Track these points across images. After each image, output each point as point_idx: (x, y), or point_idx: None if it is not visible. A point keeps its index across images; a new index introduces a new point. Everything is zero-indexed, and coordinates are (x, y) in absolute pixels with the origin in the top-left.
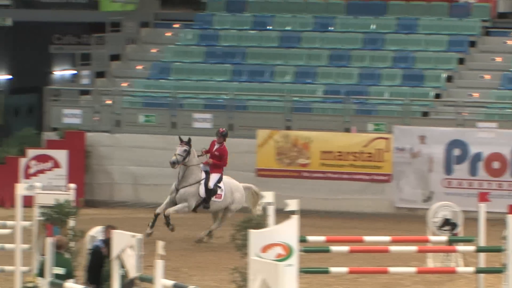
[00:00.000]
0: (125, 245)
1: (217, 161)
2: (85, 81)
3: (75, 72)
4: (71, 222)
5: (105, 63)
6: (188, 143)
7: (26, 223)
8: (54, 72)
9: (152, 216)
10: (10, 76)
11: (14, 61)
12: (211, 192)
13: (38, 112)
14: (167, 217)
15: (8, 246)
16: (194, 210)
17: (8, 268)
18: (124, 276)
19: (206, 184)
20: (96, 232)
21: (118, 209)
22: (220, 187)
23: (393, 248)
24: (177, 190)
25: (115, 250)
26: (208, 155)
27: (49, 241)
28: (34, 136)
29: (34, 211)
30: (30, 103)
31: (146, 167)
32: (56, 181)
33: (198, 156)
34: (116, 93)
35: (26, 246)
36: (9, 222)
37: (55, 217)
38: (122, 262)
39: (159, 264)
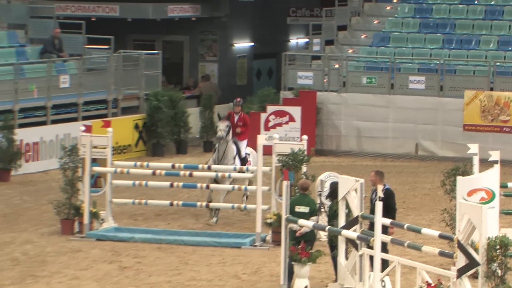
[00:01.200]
0: (350, 188)
1: (243, 129)
2: (316, 48)
3: (307, 40)
4: (304, 168)
5: (333, 33)
6: (228, 119)
7: (266, 168)
8: (290, 40)
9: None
10: (253, 44)
11: (256, 30)
12: (244, 162)
13: (276, 74)
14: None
15: (250, 188)
16: None
17: (250, 206)
18: (348, 215)
19: (239, 155)
20: (325, 177)
21: (344, 157)
22: (248, 154)
23: None
24: None
25: (340, 192)
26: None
27: (285, 184)
28: (272, 94)
29: (273, 158)
30: (270, 67)
31: (368, 121)
32: (291, 133)
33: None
34: (342, 59)
35: (265, 188)
36: (251, 168)
37: (290, 164)
38: (347, 203)
39: (379, 205)
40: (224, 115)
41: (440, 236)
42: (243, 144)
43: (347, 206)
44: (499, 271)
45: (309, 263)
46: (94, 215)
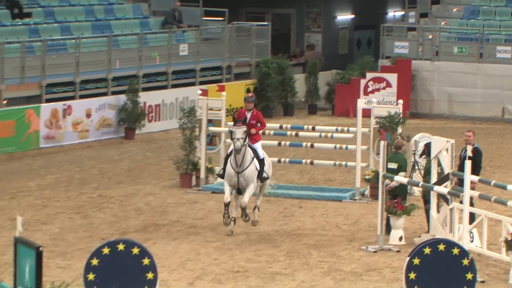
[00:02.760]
0: (442, 148)
1: (260, 128)
2: (411, 20)
3: (403, 13)
4: (399, 129)
5: (427, 6)
6: (244, 122)
7: (365, 129)
8: (387, 13)
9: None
10: (354, 16)
11: (357, 4)
12: (262, 162)
13: (375, 44)
14: (244, 209)
15: (350, 147)
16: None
17: (350, 163)
18: (440, 172)
19: (257, 157)
20: (419, 137)
21: (436, 120)
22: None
23: None
24: (238, 173)
25: (433, 152)
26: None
27: (382, 143)
28: (371, 62)
29: (371, 120)
30: (369, 37)
31: (458, 87)
32: (388, 98)
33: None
34: (436, 30)
35: (364, 147)
36: (352, 129)
37: (387, 125)
38: (439, 161)
39: (468, 164)
40: (240, 120)
41: None
42: (259, 146)
43: (439, 164)
44: None
45: (403, 215)
46: (209, 170)
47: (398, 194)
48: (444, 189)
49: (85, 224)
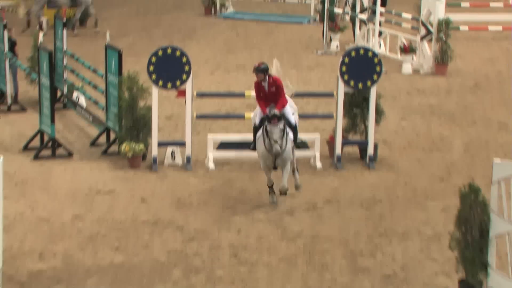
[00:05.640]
0: None
1: (282, 97)
2: None
3: None
4: None
5: None
6: (280, 117)
7: None
8: None
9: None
10: None
11: None
12: (296, 129)
13: None
14: (285, 193)
15: None
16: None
17: (308, 2)
18: (362, 5)
19: (289, 124)
20: None
21: None
22: (293, 113)
23: None
24: (275, 156)
25: None
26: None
27: None
28: None
29: None
30: None
31: None
32: None
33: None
34: None
35: None
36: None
37: None
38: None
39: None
40: (275, 112)
41: None
42: (288, 110)
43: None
44: None
45: (339, 32)
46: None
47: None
48: (363, 16)
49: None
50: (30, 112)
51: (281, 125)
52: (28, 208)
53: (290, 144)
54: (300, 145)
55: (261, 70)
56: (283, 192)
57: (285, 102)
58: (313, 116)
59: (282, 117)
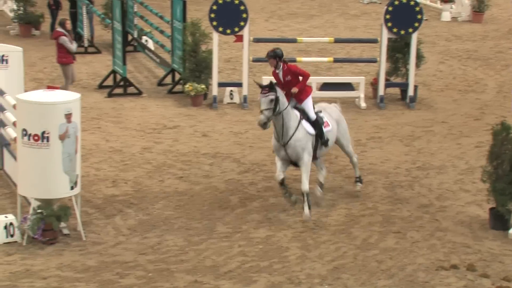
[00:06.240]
0: None
1: (301, 84)
2: None
3: None
4: None
5: None
6: (272, 87)
7: None
8: None
9: None
10: None
11: None
12: (318, 124)
13: None
14: (306, 195)
15: None
16: (315, 156)
17: None
18: None
19: (308, 119)
20: None
21: None
22: (320, 111)
23: None
24: (283, 146)
25: None
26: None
27: None
28: None
29: None
30: None
31: None
32: None
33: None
34: None
35: None
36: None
37: None
38: None
39: None
40: (266, 82)
41: None
42: (308, 103)
43: None
44: None
45: None
46: None
47: None
48: None
49: None
50: (104, 54)
51: (271, 95)
52: (103, 140)
53: (301, 134)
54: (324, 143)
55: (273, 56)
56: (303, 193)
57: (306, 93)
58: (358, 61)
59: (276, 88)
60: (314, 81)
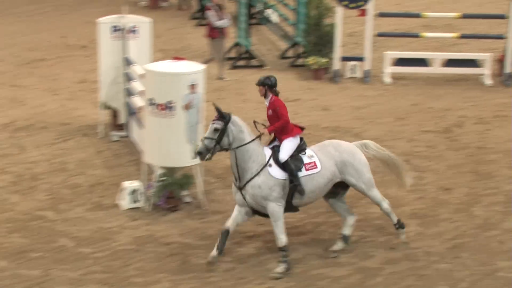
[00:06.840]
0: None
1: (277, 125)
2: None
3: None
4: None
5: None
6: (222, 115)
7: None
8: None
9: None
10: None
11: None
12: (291, 167)
13: None
14: (281, 249)
15: None
16: (292, 208)
17: None
18: None
19: (276, 160)
20: None
21: None
22: (304, 154)
23: None
24: (240, 189)
25: None
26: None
27: None
28: None
29: None
30: None
31: None
32: None
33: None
34: None
35: None
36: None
37: None
38: None
39: None
40: (222, 109)
41: None
42: (285, 144)
43: None
44: None
45: None
46: None
47: None
48: None
49: None
50: (228, 27)
51: (217, 125)
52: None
53: (263, 181)
54: (300, 191)
55: (261, 84)
56: (279, 248)
57: (287, 134)
58: (485, 37)
59: (230, 117)
60: (438, 57)
